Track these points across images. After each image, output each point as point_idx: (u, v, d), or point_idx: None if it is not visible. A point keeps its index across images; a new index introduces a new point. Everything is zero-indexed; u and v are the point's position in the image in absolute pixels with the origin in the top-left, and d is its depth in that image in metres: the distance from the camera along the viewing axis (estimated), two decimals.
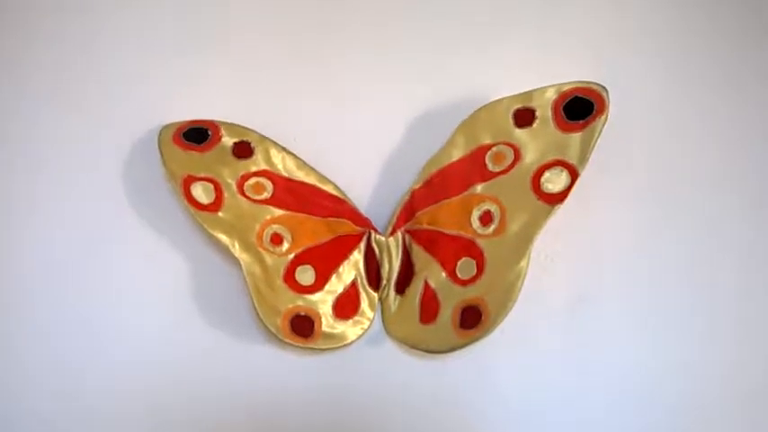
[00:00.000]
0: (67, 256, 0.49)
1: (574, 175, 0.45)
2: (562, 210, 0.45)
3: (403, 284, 0.48)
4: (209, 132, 0.48)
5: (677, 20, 0.52)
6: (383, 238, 0.48)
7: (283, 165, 0.49)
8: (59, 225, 0.50)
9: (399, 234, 0.48)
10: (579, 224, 0.48)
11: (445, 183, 0.48)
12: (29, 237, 0.50)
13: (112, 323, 0.49)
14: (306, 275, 0.47)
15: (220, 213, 0.47)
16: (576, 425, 0.47)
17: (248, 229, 0.47)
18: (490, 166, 0.47)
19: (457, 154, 0.48)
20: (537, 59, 0.52)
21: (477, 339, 0.45)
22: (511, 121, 0.47)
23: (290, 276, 0.47)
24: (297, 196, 0.48)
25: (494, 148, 0.47)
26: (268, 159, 0.49)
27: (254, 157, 0.48)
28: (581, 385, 0.48)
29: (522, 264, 0.45)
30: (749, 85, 0.51)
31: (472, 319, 0.45)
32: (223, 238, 0.46)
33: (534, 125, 0.47)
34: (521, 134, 0.47)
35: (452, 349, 0.46)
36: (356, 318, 0.48)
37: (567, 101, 0.47)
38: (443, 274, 0.47)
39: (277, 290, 0.47)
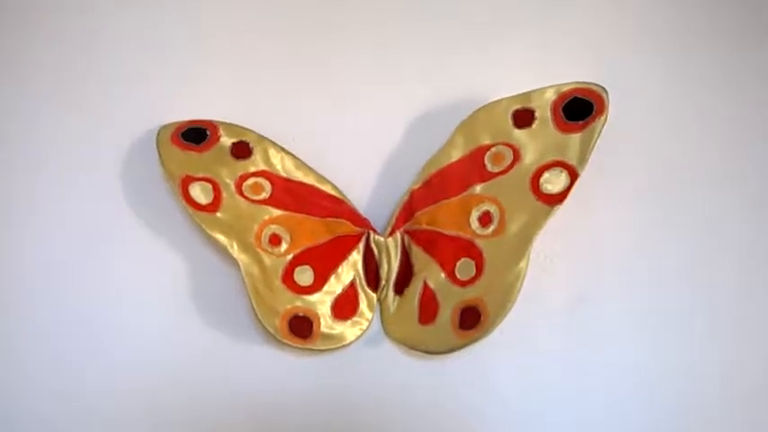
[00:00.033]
0: (67, 255, 0.49)
1: (573, 175, 0.45)
2: (561, 210, 0.45)
3: (402, 285, 0.48)
4: (208, 132, 0.48)
5: (677, 20, 0.52)
6: (382, 239, 0.48)
7: (282, 165, 0.48)
8: (59, 225, 0.49)
9: (398, 234, 0.48)
10: (578, 224, 0.48)
11: (444, 183, 0.47)
12: (29, 236, 0.49)
13: (112, 323, 0.48)
14: (304, 276, 0.47)
15: (219, 214, 0.47)
16: (575, 425, 0.47)
17: (247, 229, 0.47)
18: (489, 167, 0.47)
19: (456, 154, 0.48)
20: (537, 59, 0.51)
21: (476, 340, 0.45)
22: (510, 121, 0.47)
23: (288, 277, 0.47)
24: (295, 196, 0.48)
25: (493, 149, 0.47)
26: (267, 159, 0.48)
27: (252, 157, 0.48)
28: (581, 386, 0.47)
29: (522, 264, 0.45)
30: (749, 85, 0.51)
31: (471, 320, 0.45)
32: (221, 238, 0.46)
33: (533, 126, 0.47)
34: (520, 135, 0.47)
35: (452, 350, 0.45)
36: (355, 318, 0.47)
37: (567, 101, 0.46)
38: (442, 275, 0.47)
39: (275, 290, 0.46)
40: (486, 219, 0.46)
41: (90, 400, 0.48)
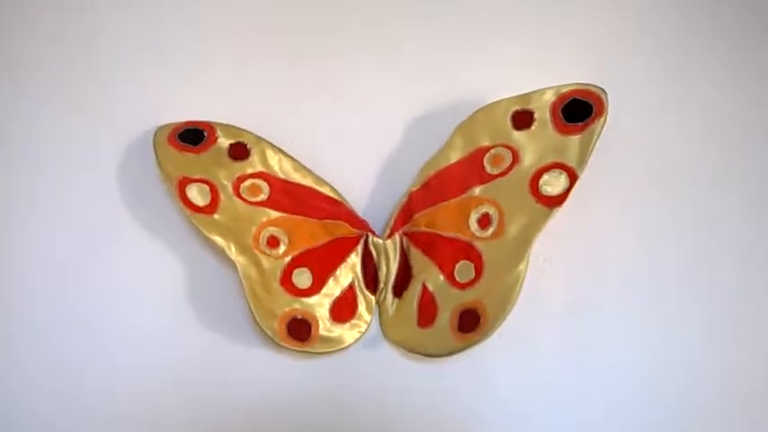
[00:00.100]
0: (66, 255, 0.49)
1: (573, 177, 0.44)
2: (560, 212, 0.44)
3: (401, 287, 0.47)
4: (205, 133, 0.48)
5: (677, 19, 0.51)
6: (381, 241, 0.47)
7: (280, 166, 0.48)
8: (58, 225, 0.49)
9: (397, 237, 0.47)
10: (578, 226, 0.48)
11: (443, 185, 0.47)
12: (28, 236, 0.49)
13: (111, 324, 0.48)
14: (302, 278, 0.47)
15: (216, 215, 0.46)
16: (575, 427, 0.47)
17: (244, 231, 0.46)
18: (488, 169, 0.46)
19: (455, 156, 0.47)
20: (537, 58, 0.51)
21: (475, 343, 0.44)
22: (509, 123, 0.46)
23: (286, 279, 0.46)
24: (293, 198, 0.47)
25: (492, 151, 0.47)
26: (264, 161, 0.48)
27: (250, 158, 0.48)
28: (580, 388, 0.47)
29: (521, 267, 0.44)
30: (749, 85, 0.50)
31: (470, 323, 0.44)
32: (219, 240, 0.45)
33: (533, 127, 0.46)
34: (519, 136, 0.46)
35: (451, 353, 0.45)
36: (353, 321, 0.47)
37: (566, 103, 0.46)
38: (441, 278, 0.46)
39: (273, 293, 0.46)
40: (485, 221, 0.46)
41: (89, 401, 0.47)
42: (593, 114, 0.45)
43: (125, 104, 0.50)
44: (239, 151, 0.48)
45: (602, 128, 0.44)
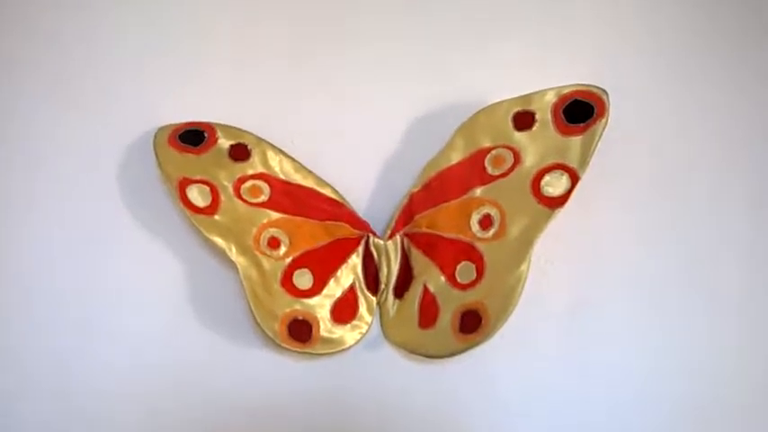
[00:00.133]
0: (66, 255, 0.48)
1: (574, 178, 0.44)
2: (561, 212, 0.44)
3: (402, 288, 0.47)
4: (205, 134, 0.47)
5: (678, 19, 0.51)
6: (382, 242, 0.47)
7: (280, 167, 0.48)
8: (58, 224, 0.49)
9: (398, 237, 0.47)
10: (579, 227, 0.47)
11: (444, 186, 0.47)
12: (27, 235, 0.49)
13: (110, 325, 0.48)
14: (303, 279, 0.46)
15: (217, 216, 0.46)
16: (577, 427, 0.47)
17: (245, 232, 0.46)
18: (490, 170, 0.46)
19: (456, 157, 0.47)
20: (537, 59, 0.50)
21: (477, 344, 0.44)
22: (510, 124, 0.46)
23: (287, 280, 0.46)
24: (294, 199, 0.47)
25: (493, 152, 0.46)
26: (265, 162, 0.47)
27: (250, 159, 0.47)
28: (582, 388, 0.47)
29: (523, 268, 0.44)
30: (750, 85, 0.50)
31: (472, 324, 0.44)
32: (219, 241, 0.45)
33: (534, 128, 0.46)
34: (520, 137, 0.46)
35: (452, 354, 0.44)
36: (354, 322, 0.46)
37: (567, 104, 0.45)
38: (443, 279, 0.46)
39: (274, 294, 0.46)
40: (486, 222, 0.45)
41: (89, 401, 0.47)
42: (594, 115, 0.45)
43: (124, 104, 0.50)
44: (240, 152, 0.47)
45: (604, 129, 0.44)
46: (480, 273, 0.45)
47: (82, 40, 0.51)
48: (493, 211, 0.45)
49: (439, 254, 0.46)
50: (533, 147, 0.45)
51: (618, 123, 0.45)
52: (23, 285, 0.48)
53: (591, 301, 0.47)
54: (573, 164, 0.44)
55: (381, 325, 0.47)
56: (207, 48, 0.51)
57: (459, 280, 0.45)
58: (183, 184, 0.46)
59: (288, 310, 0.46)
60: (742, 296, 0.48)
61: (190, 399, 0.47)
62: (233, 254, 0.45)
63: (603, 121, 0.44)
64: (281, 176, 0.47)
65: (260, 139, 0.48)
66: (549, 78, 0.46)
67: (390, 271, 0.47)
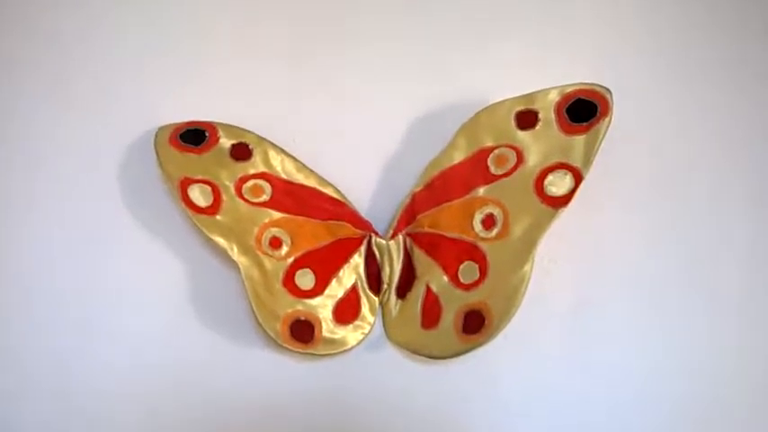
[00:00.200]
0: (66, 255, 0.48)
1: (578, 178, 0.43)
2: (564, 211, 0.44)
3: (404, 289, 0.46)
4: (207, 134, 0.47)
5: (678, 18, 0.50)
6: (384, 242, 0.46)
7: (282, 167, 0.47)
8: (58, 224, 0.48)
9: (400, 237, 0.46)
10: (582, 226, 0.47)
11: (447, 185, 0.46)
12: (27, 235, 0.48)
13: (111, 325, 0.47)
14: (305, 279, 0.46)
15: (218, 216, 0.45)
16: (579, 428, 0.46)
17: (247, 232, 0.45)
18: (492, 169, 0.45)
19: (458, 156, 0.46)
20: (537, 58, 0.50)
21: (480, 345, 0.43)
22: (513, 123, 0.46)
23: (289, 280, 0.45)
24: (296, 199, 0.46)
25: (496, 151, 0.46)
26: (267, 161, 0.47)
27: (252, 159, 0.47)
28: (585, 389, 0.46)
29: (526, 268, 0.43)
30: (750, 85, 0.49)
31: (475, 324, 0.43)
32: (221, 241, 0.45)
33: (537, 127, 0.45)
34: (523, 136, 0.45)
35: (455, 355, 0.44)
36: (357, 322, 0.46)
37: (571, 103, 0.45)
38: (445, 279, 0.45)
39: (276, 294, 0.45)
40: (489, 221, 0.45)
41: (89, 401, 0.46)
42: (597, 114, 0.44)
43: (124, 104, 0.49)
44: (241, 152, 0.47)
45: (608, 128, 0.44)
46: (483, 273, 0.44)
47: (82, 39, 0.50)
48: (496, 211, 0.45)
49: (441, 254, 0.45)
50: (536, 146, 0.45)
51: (618, 123, 0.44)
52: (23, 285, 0.47)
53: (593, 300, 0.47)
54: (576, 163, 0.44)
55: (384, 325, 0.46)
56: (207, 48, 0.50)
57: (461, 280, 0.45)
58: (185, 184, 0.45)
59: (290, 310, 0.45)
60: (742, 296, 0.47)
61: (190, 399, 0.46)
62: (235, 254, 0.44)
63: (607, 120, 0.44)
64: (283, 176, 0.47)
65: (261, 139, 0.47)
66: (549, 78, 0.46)
67: (393, 271, 0.46)
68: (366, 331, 0.46)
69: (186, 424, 0.46)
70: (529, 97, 0.45)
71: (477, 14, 0.51)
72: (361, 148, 0.48)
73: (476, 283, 0.44)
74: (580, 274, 0.47)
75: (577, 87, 0.45)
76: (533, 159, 0.45)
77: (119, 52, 0.50)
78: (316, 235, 0.46)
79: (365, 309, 0.46)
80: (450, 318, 0.44)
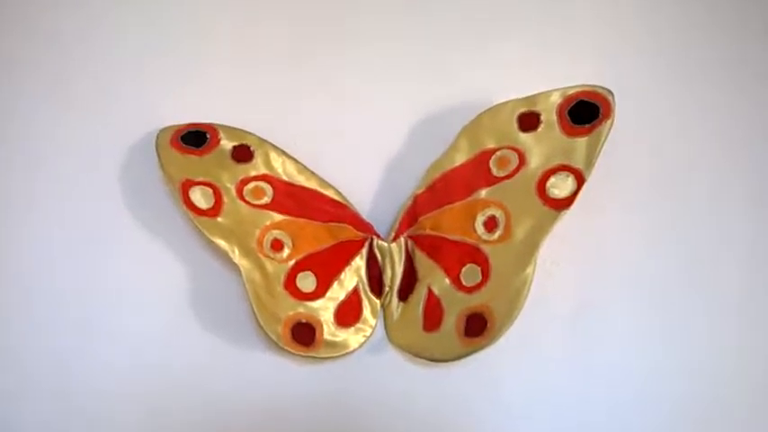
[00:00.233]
0: (66, 255, 0.47)
1: (580, 180, 0.43)
2: (566, 213, 0.43)
3: (406, 291, 0.46)
4: (208, 136, 0.46)
5: (678, 18, 0.50)
6: (385, 244, 0.46)
7: (283, 169, 0.46)
8: (58, 224, 0.48)
9: (402, 240, 0.46)
10: (584, 228, 0.46)
11: (449, 187, 0.46)
12: (27, 235, 0.48)
13: (111, 326, 0.47)
14: (307, 282, 0.45)
15: (220, 218, 0.45)
16: (577, 429, 0.46)
17: (248, 234, 0.45)
18: (494, 171, 0.45)
19: (460, 158, 0.46)
20: (537, 59, 0.50)
21: (482, 347, 0.43)
22: (515, 125, 0.45)
23: (290, 283, 0.45)
24: (297, 201, 0.46)
25: (498, 153, 0.45)
26: (268, 163, 0.46)
27: (253, 161, 0.46)
28: (584, 390, 0.46)
29: (529, 270, 0.43)
30: (750, 85, 0.49)
31: (477, 327, 0.43)
32: (222, 243, 0.44)
33: (539, 129, 0.45)
34: (525, 138, 0.45)
35: (457, 357, 0.43)
36: (358, 325, 0.45)
37: (573, 105, 0.44)
38: (447, 281, 0.45)
39: (277, 297, 0.44)
40: (491, 224, 0.44)
41: (89, 401, 0.46)
42: (599, 116, 0.44)
43: (125, 104, 0.49)
44: (242, 153, 0.46)
45: (610, 130, 0.43)
46: (485, 275, 0.44)
47: (82, 39, 0.50)
48: (498, 213, 0.44)
49: (443, 256, 0.45)
50: (538, 148, 0.44)
51: (620, 123, 0.44)
52: (23, 285, 0.47)
53: (595, 302, 0.46)
54: (579, 165, 0.43)
55: (385, 328, 0.46)
56: (207, 48, 0.50)
57: (464, 282, 0.44)
58: (186, 186, 0.45)
59: (291, 312, 0.44)
60: (742, 296, 0.47)
61: (191, 401, 0.46)
62: (236, 256, 0.44)
63: (609, 122, 0.43)
64: (284, 178, 0.46)
65: (263, 141, 0.47)
66: (549, 78, 0.45)
67: (394, 273, 0.46)
68: (367, 334, 0.45)
69: (186, 426, 0.46)
70: (531, 99, 0.45)
71: (478, 14, 0.50)
72: (361, 149, 0.48)
73: (478, 286, 0.44)
74: (582, 277, 0.46)
75: (579, 89, 0.44)
76: (535, 161, 0.44)
77: (119, 52, 0.50)
78: (317, 237, 0.46)
79: (367, 311, 0.46)
80: (451, 320, 0.44)
